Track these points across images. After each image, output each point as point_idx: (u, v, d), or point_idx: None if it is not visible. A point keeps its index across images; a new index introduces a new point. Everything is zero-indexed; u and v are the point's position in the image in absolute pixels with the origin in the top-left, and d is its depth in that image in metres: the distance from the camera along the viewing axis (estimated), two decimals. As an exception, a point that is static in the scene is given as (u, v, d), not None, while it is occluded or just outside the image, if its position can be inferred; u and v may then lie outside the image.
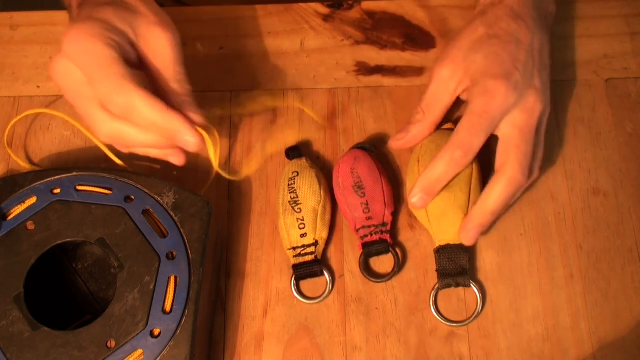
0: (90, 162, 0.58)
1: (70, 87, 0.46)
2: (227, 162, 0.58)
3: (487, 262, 0.54)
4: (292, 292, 0.54)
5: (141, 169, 0.58)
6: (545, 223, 0.55)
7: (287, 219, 0.54)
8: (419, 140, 0.55)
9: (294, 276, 0.54)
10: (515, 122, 0.51)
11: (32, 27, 0.63)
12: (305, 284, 0.54)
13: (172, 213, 0.50)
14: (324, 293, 0.54)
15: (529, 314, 0.53)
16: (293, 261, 0.54)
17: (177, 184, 0.51)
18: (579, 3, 0.62)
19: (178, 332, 0.46)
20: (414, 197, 0.52)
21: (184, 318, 0.47)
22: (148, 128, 0.45)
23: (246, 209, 0.57)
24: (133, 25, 0.47)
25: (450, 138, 0.51)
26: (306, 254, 0.53)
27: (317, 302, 0.54)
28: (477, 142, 0.50)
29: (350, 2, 0.64)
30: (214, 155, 0.50)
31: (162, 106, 0.45)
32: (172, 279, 0.47)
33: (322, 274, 0.54)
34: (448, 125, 0.56)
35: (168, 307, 0.47)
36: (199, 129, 0.47)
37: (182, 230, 0.49)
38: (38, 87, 0.61)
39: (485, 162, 0.56)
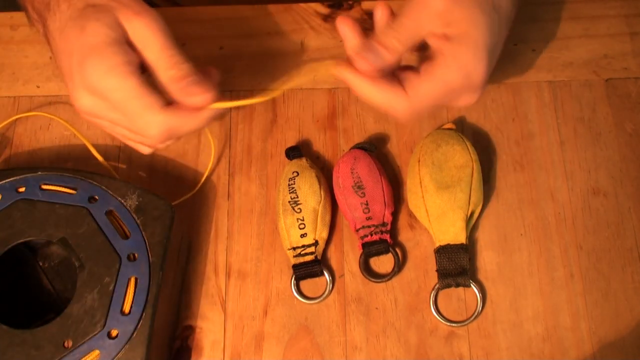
0: (90, 161, 0.58)
1: (105, 119, 0.47)
2: (228, 162, 0.58)
3: (487, 262, 0.54)
4: (292, 292, 0.54)
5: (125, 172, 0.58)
6: (545, 223, 0.55)
7: (287, 219, 0.54)
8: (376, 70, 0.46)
9: (294, 276, 0.54)
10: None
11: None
12: (305, 284, 0.54)
13: (134, 215, 0.50)
14: (324, 293, 0.54)
15: (529, 314, 0.53)
16: (293, 261, 0.54)
17: (141, 187, 0.51)
18: (579, 3, 0.62)
19: (135, 334, 0.46)
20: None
21: (142, 320, 0.47)
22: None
23: (246, 209, 0.57)
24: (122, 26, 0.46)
25: (412, 99, 0.46)
26: (306, 254, 0.53)
27: (317, 302, 0.54)
28: (425, 111, 0.47)
29: (350, 2, 0.64)
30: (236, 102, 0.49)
31: (198, 123, 0.47)
32: (132, 280, 0.48)
33: (322, 274, 0.54)
34: (449, 125, 0.56)
35: (127, 309, 0.47)
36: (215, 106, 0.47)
37: (143, 232, 0.49)
38: (38, 87, 0.61)
39: (485, 162, 0.56)
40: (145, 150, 0.51)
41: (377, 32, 0.47)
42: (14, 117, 0.59)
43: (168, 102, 0.46)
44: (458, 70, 0.45)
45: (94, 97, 0.46)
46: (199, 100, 0.46)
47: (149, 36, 0.45)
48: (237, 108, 0.60)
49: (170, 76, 0.46)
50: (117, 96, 0.45)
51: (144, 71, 0.46)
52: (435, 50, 0.46)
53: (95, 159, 0.56)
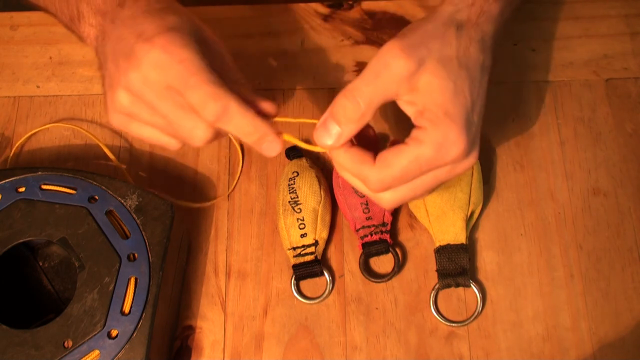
0: (91, 161, 0.58)
1: (148, 111, 0.44)
2: (228, 162, 0.58)
3: (487, 262, 0.54)
4: (292, 292, 0.54)
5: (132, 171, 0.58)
6: (545, 223, 0.55)
7: (287, 219, 0.54)
8: (342, 143, 0.43)
9: (294, 276, 0.54)
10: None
11: (32, 27, 0.63)
12: (305, 284, 0.54)
13: (134, 215, 0.50)
14: (324, 293, 0.54)
15: (529, 314, 0.53)
16: (293, 261, 0.54)
17: (141, 187, 0.51)
18: (579, 3, 0.62)
19: (135, 334, 0.46)
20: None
21: (142, 320, 0.47)
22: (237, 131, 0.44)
23: (246, 209, 0.57)
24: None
25: (380, 169, 0.43)
26: (306, 254, 0.53)
27: (317, 302, 0.54)
28: (398, 184, 0.43)
29: (350, 2, 0.64)
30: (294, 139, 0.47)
31: (252, 114, 0.43)
32: (132, 280, 0.48)
33: (322, 274, 0.54)
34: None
35: (127, 309, 0.47)
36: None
37: (143, 232, 0.49)
38: (38, 87, 0.61)
39: (485, 162, 0.56)
40: (197, 138, 0.45)
41: (334, 102, 0.43)
42: (32, 132, 0.59)
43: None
44: (431, 147, 0.42)
45: (149, 81, 0.42)
46: (264, 106, 0.46)
47: (214, 40, 0.46)
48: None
49: (237, 79, 0.47)
50: (185, 78, 0.42)
51: None
52: (412, 119, 0.44)
53: (95, 159, 0.56)
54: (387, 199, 0.45)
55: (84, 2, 0.48)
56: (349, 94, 0.42)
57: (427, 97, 0.42)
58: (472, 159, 0.44)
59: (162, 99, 0.43)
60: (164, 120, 0.44)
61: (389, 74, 0.42)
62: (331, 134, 0.43)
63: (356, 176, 0.44)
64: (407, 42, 0.42)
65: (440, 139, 0.42)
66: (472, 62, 0.44)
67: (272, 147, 0.44)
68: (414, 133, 0.43)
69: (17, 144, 0.59)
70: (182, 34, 0.43)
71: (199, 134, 0.43)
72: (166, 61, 0.42)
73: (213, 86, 0.42)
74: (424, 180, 0.44)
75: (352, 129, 0.43)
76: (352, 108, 0.42)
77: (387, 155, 0.43)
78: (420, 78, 0.42)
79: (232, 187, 0.57)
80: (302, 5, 0.64)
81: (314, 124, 0.44)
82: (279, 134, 0.44)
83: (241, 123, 0.43)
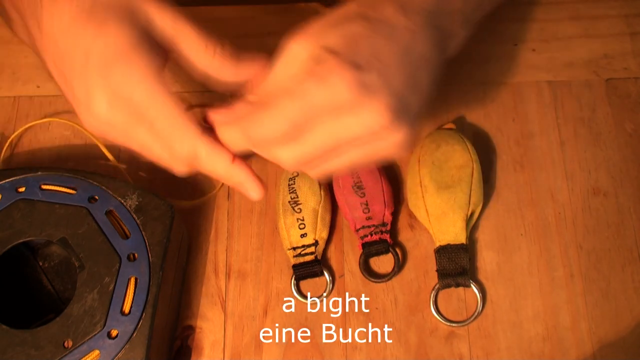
0: (91, 161, 0.58)
1: (120, 131, 0.42)
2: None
3: (487, 262, 0.54)
4: (292, 292, 0.54)
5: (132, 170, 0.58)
6: (545, 223, 0.55)
7: (287, 219, 0.54)
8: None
9: (294, 276, 0.54)
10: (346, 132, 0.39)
11: (32, 27, 0.63)
12: (305, 284, 0.54)
13: (134, 215, 0.50)
14: (324, 293, 0.54)
15: (529, 314, 0.53)
16: (293, 261, 0.54)
17: (141, 187, 0.51)
18: (579, 3, 0.62)
19: (135, 334, 0.46)
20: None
21: (142, 320, 0.47)
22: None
23: (246, 209, 0.57)
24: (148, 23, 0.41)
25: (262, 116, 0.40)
26: (306, 254, 0.53)
27: (317, 302, 0.54)
28: (300, 147, 0.40)
29: (350, 2, 0.64)
30: None
31: (226, 158, 0.41)
32: (132, 280, 0.48)
33: (322, 274, 0.54)
34: (449, 125, 0.57)
35: (127, 309, 0.47)
36: None
37: (143, 232, 0.49)
38: (38, 87, 0.61)
39: (485, 162, 0.56)
40: (177, 169, 0.44)
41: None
42: (28, 125, 0.59)
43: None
44: (312, 82, 0.38)
45: (115, 109, 0.41)
46: (255, 66, 0.43)
47: (181, 27, 0.42)
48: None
49: (218, 57, 0.43)
50: (149, 110, 0.40)
51: None
52: None
53: (95, 159, 0.56)
54: (286, 157, 0.41)
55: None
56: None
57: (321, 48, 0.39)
58: (376, 112, 0.38)
59: (132, 126, 0.41)
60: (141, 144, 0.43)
61: (282, 59, 0.42)
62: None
63: (241, 136, 0.41)
64: (302, 28, 0.42)
65: (319, 72, 0.38)
66: (379, 17, 0.41)
67: (250, 193, 0.43)
68: None
69: (12, 136, 0.58)
70: (133, 52, 0.40)
71: (178, 168, 0.43)
72: (125, 92, 0.40)
73: (184, 125, 0.40)
74: (321, 137, 0.39)
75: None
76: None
77: (273, 101, 0.39)
78: (311, 47, 0.40)
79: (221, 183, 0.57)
80: (302, 5, 0.64)
81: None
82: (258, 179, 0.43)
83: (214, 169, 0.42)
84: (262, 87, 0.42)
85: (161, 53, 0.42)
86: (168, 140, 0.41)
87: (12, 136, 0.58)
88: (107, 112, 0.41)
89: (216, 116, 0.42)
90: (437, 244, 0.53)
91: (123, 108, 0.41)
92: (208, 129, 0.42)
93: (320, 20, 0.42)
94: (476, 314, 0.53)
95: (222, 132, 0.42)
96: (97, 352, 0.46)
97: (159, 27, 0.42)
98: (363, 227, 0.54)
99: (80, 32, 0.41)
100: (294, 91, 0.39)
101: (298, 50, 0.41)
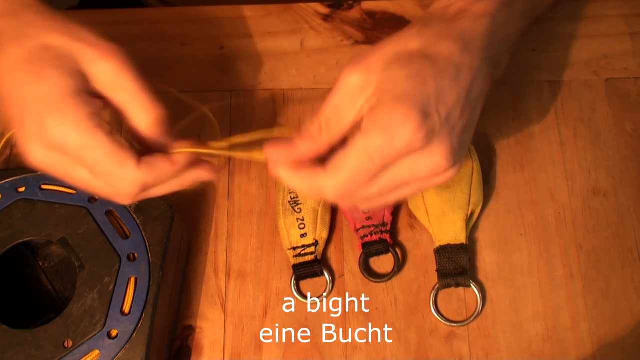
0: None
1: (63, 173, 0.43)
2: (228, 162, 0.58)
3: (487, 262, 0.54)
4: (292, 292, 0.54)
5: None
6: (545, 223, 0.55)
7: (287, 219, 0.54)
8: (305, 159, 0.42)
9: (294, 276, 0.54)
10: (414, 174, 0.40)
11: (32, 27, 0.63)
12: (305, 284, 0.54)
13: (134, 215, 0.50)
14: (324, 293, 0.54)
15: (529, 314, 0.53)
16: (293, 261, 0.54)
17: None
18: (579, 3, 0.62)
19: (135, 334, 0.47)
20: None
21: (142, 320, 0.47)
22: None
23: (246, 209, 0.57)
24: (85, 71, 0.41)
25: (331, 175, 0.40)
26: (306, 254, 0.53)
27: (317, 302, 0.54)
28: (355, 185, 0.40)
29: (350, 2, 0.64)
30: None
31: (171, 173, 0.43)
32: (132, 280, 0.48)
33: (322, 274, 0.54)
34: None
35: (127, 309, 0.47)
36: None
37: (143, 232, 0.49)
38: (38, 87, 0.61)
39: (485, 161, 0.56)
40: (121, 201, 0.45)
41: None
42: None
43: (139, 155, 0.42)
44: (376, 132, 0.38)
45: (52, 153, 0.41)
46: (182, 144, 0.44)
47: (120, 79, 0.41)
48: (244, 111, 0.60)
49: (151, 120, 0.43)
50: (85, 154, 0.40)
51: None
52: None
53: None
54: (338, 196, 0.41)
55: None
56: (315, 118, 0.41)
57: (379, 91, 0.40)
58: (439, 157, 0.39)
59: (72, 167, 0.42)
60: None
61: (340, 89, 0.41)
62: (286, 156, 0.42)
63: (312, 191, 0.42)
64: (358, 57, 0.42)
65: (385, 120, 0.38)
66: (442, 57, 0.41)
67: (205, 180, 0.45)
68: (362, 126, 0.40)
69: (12, 136, 0.58)
70: (71, 94, 0.40)
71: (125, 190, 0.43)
72: (60, 139, 0.40)
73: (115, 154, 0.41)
74: (385, 182, 0.40)
75: (307, 147, 0.42)
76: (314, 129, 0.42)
77: (336, 157, 0.40)
78: (373, 81, 0.40)
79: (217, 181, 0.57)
80: (302, 5, 0.64)
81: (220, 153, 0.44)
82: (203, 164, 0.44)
83: (167, 190, 0.45)
84: (324, 116, 0.42)
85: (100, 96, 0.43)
86: (109, 179, 0.42)
87: (12, 136, 0.58)
88: (42, 157, 0.41)
89: (274, 153, 0.42)
90: (437, 244, 0.53)
91: (59, 154, 0.41)
92: (144, 150, 0.43)
93: (380, 50, 0.42)
94: (476, 314, 0.53)
95: (282, 175, 0.42)
96: (97, 352, 0.46)
97: (95, 76, 0.42)
98: (363, 227, 0.54)
99: (21, 77, 0.41)
100: (361, 148, 0.39)
101: (357, 82, 0.41)
